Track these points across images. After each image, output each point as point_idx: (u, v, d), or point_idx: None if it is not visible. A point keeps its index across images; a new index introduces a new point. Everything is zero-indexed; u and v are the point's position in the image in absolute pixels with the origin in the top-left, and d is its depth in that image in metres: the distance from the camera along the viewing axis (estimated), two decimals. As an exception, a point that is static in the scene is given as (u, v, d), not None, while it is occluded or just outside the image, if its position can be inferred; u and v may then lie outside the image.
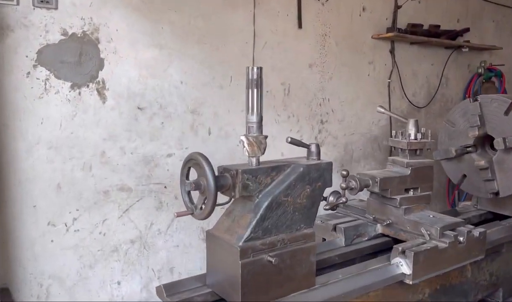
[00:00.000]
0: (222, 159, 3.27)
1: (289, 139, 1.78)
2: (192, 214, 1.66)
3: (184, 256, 3.22)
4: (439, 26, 4.37)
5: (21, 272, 2.62)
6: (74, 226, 2.76)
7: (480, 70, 4.54)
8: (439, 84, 4.60)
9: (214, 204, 1.59)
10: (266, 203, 1.68)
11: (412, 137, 2.35)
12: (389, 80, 4.21)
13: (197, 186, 1.61)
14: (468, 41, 4.56)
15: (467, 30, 4.59)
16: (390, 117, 4.26)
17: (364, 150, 4.15)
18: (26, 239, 2.62)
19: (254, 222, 1.66)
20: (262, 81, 1.70)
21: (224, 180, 1.66)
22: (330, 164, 1.84)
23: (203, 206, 1.64)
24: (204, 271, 3.29)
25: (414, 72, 4.44)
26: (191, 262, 3.25)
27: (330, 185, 1.86)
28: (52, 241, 2.70)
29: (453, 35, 4.46)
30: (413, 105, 4.42)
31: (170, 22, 2.98)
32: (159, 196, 3.05)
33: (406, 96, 4.34)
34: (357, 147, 4.10)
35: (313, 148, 1.85)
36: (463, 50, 4.53)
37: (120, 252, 2.95)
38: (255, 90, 1.68)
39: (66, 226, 2.74)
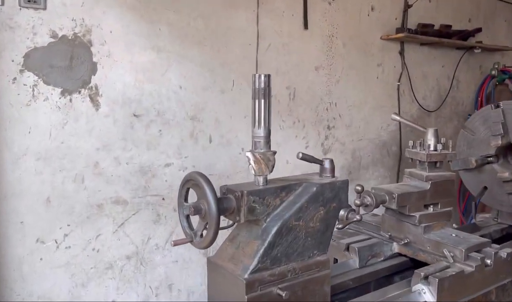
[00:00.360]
0: (224, 169, 3.09)
1: (300, 155, 1.58)
2: (191, 242, 1.47)
3: (184, 271, 3.03)
4: (450, 26, 4.17)
5: (7, 294, 2.43)
6: (65, 243, 2.58)
7: (493, 72, 4.34)
8: (450, 87, 4.40)
9: (217, 231, 1.39)
10: (275, 229, 1.49)
11: (432, 148, 2.16)
12: (398, 83, 4.03)
13: (196, 210, 1.42)
14: (480, 42, 4.37)
15: (479, 30, 4.40)
16: (400, 123, 4.06)
17: (372, 156, 3.96)
18: (12, 258, 2.43)
19: (261, 251, 1.46)
20: (270, 90, 1.50)
21: (228, 202, 1.46)
22: (346, 183, 1.65)
23: (204, 233, 1.44)
24: (205, 286, 3.10)
25: (424, 74, 4.25)
26: (191, 278, 3.06)
27: (346, 206, 1.66)
28: (41, 259, 2.51)
29: (464, 35, 4.27)
30: (423, 109, 4.23)
31: (168, 23, 2.79)
32: (156, 208, 2.87)
33: (416, 99, 4.15)
34: (365, 153, 3.91)
35: (326, 164, 1.66)
36: (475, 51, 4.34)
37: (115, 269, 2.76)
38: (263, 100, 1.49)
39: (57, 242, 2.55)
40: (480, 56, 4.57)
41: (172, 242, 1.42)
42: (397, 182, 4.11)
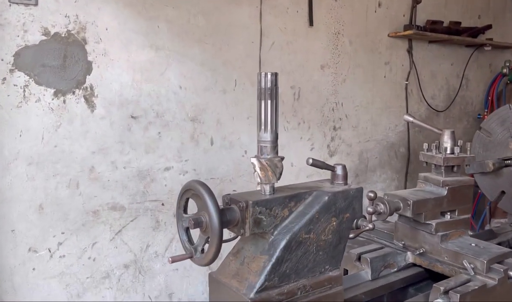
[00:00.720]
0: (226, 172, 2.96)
1: (311, 161, 1.44)
2: (191, 258, 1.33)
3: (185, 280, 2.90)
4: (460, 23, 4.03)
5: (-2, 306, 2.30)
6: (60, 252, 2.45)
7: (504, 70, 4.19)
8: (460, 86, 4.26)
9: (219, 246, 1.26)
10: (283, 242, 1.35)
11: (449, 151, 2.02)
12: (406, 82, 3.89)
13: (197, 223, 1.28)
14: (491, 39, 4.22)
15: (489, 27, 4.25)
16: (408, 123, 3.92)
17: (380, 158, 3.82)
18: (3, 269, 2.31)
19: (269, 267, 1.33)
20: (278, 90, 1.37)
21: (231, 214, 1.33)
22: (360, 191, 1.51)
23: (205, 248, 1.31)
24: (206, 295, 2.97)
25: (432, 73, 4.10)
26: (192, 287, 2.93)
27: (360, 216, 1.53)
28: (34, 269, 2.39)
29: (474, 32, 4.13)
30: (432, 108, 4.09)
31: (167, 20, 2.66)
32: (155, 214, 2.74)
33: (424, 99, 4.01)
34: (372, 155, 3.77)
35: (339, 170, 1.52)
36: (486, 48, 4.19)
37: (113, 279, 2.63)
38: (269, 101, 1.35)
39: (50, 251, 2.42)
40: (489, 53, 4.43)
41: (170, 259, 1.28)
42: (405, 184, 3.98)
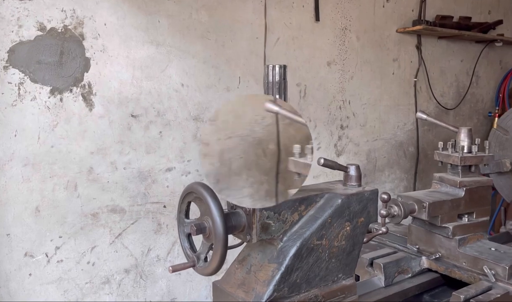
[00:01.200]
0: (230, 173, 2.85)
1: (322, 161, 1.34)
2: (193, 266, 1.23)
3: (188, 284, 2.80)
4: (470, 18, 3.92)
5: (-8, 313, 2.21)
6: (57, 256, 2.36)
7: (516, 67, 4.08)
8: (470, 83, 4.14)
9: (224, 254, 1.16)
10: (293, 250, 1.25)
11: (466, 150, 1.91)
12: (415, 79, 3.77)
13: (199, 229, 1.18)
14: (502, 35, 4.10)
15: (500, 22, 4.13)
16: (417, 121, 3.81)
17: (388, 157, 3.71)
18: (-2, 274, 2.21)
19: (278, 276, 1.22)
20: (286, 84, 1.26)
21: (236, 219, 1.22)
22: (375, 193, 1.41)
23: (209, 256, 1.20)
24: (210, 299, 2.87)
25: (442, 70, 3.99)
26: (196, 291, 2.83)
27: (375, 220, 1.42)
28: (30, 274, 2.29)
29: (485, 28, 4.01)
30: (442, 106, 3.97)
31: (168, 14, 2.56)
32: (157, 217, 2.64)
33: (434, 96, 3.89)
34: (380, 154, 3.65)
35: (352, 171, 1.42)
36: (497, 44, 4.08)
37: (113, 284, 2.53)
38: (277, 96, 1.25)
39: (47, 256, 2.33)
40: (500, 50, 4.31)
41: (170, 268, 1.18)
42: (414, 184, 3.86)
